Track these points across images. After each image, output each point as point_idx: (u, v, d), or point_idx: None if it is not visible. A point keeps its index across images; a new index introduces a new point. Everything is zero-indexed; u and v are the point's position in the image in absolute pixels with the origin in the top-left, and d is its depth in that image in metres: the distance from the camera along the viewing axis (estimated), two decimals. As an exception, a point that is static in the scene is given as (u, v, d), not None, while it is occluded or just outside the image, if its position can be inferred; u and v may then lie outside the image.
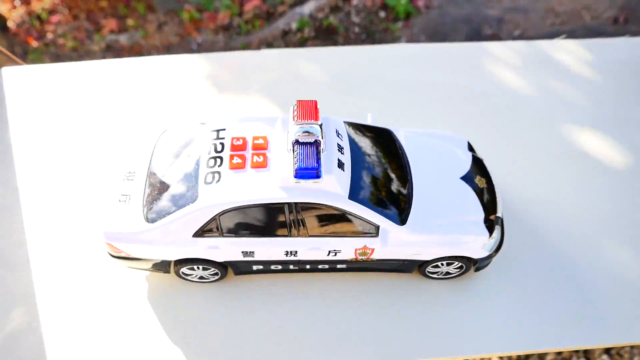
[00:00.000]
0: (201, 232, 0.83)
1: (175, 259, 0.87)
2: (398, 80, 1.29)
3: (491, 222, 0.89)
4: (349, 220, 0.84)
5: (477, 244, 0.87)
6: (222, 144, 0.86)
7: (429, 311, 0.93)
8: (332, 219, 0.83)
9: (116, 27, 2.67)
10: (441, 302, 0.94)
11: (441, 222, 0.87)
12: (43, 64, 1.28)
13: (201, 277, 0.93)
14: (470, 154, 0.98)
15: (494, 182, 0.95)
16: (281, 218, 0.82)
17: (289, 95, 1.21)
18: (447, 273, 0.94)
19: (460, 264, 0.91)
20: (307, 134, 0.79)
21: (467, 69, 1.32)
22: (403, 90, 1.27)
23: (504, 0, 2.74)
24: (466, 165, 0.96)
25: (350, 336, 0.90)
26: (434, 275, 0.95)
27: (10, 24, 3.32)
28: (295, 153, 0.79)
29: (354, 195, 0.83)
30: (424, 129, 1.03)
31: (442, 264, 0.91)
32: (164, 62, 1.36)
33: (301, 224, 0.83)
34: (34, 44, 3.14)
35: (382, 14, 2.91)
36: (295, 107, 0.83)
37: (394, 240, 0.86)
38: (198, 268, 0.90)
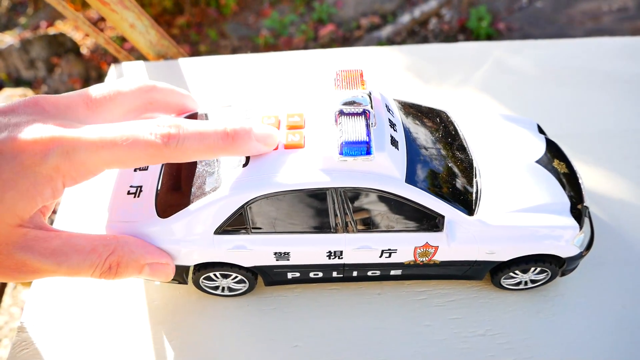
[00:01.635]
0: (225, 228, 0.67)
1: (193, 263, 0.71)
2: (619, 74, 1.16)
3: (578, 212, 0.72)
4: (407, 211, 0.67)
5: (566, 238, 0.70)
6: None
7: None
8: (386, 210, 0.67)
9: (189, 53, 2.67)
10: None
11: (519, 212, 0.70)
12: (207, 56, 1.30)
13: (225, 289, 0.77)
14: (542, 136, 0.82)
15: (574, 167, 0.79)
16: (323, 209, 0.67)
17: (499, 88, 1.14)
18: (527, 282, 0.77)
19: (543, 269, 0.73)
20: (353, 103, 0.64)
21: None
22: (624, 84, 1.15)
23: (587, 22, 2.66)
24: (540, 147, 0.79)
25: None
26: (510, 286, 0.77)
27: (84, 50, 3.38)
28: (339, 126, 0.63)
29: (411, 179, 0.67)
30: (489, 112, 0.87)
31: (521, 272, 0.74)
32: (348, 53, 1.26)
33: (348, 216, 0.67)
34: (108, 68, 3.18)
35: (461, 37, 2.84)
36: (337, 77, 0.68)
37: (462, 235, 0.69)
38: (221, 276, 0.74)
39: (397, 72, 1.19)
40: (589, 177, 0.93)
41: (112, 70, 1.23)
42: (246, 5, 3.47)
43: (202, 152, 0.61)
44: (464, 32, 2.89)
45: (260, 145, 0.65)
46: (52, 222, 0.89)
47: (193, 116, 0.77)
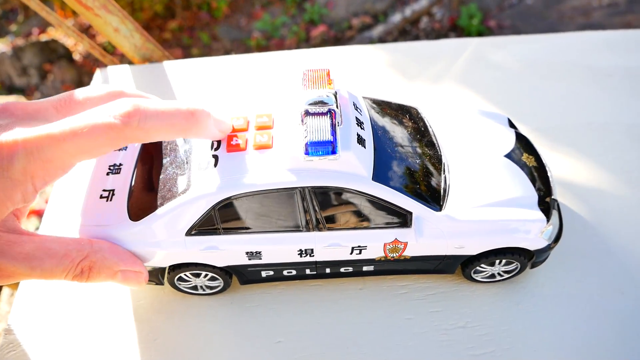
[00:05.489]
0: (196, 230, 0.69)
1: (166, 265, 0.72)
2: (601, 68, 1.17)
3: (547, 205, 0.73)
4: (375, 208, 0.69)
5: (534, 231, 0.71)
6: None
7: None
8: (354, 208, 0.69)
9: (182, 57, 2.70)
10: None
11: (487, 206, 0.71)
12: (192, 58, 1.30)
13: (201, 288, 0.78)
14: (512, 130, 0.84)
15: (544, 161, 0.80)
16: (292, 208, 0.68)
17: (483, 83, 1.15)
18: (495, 275, 0.78)
19: (512, 261, 0.74)
20: (319, 103, 0.65)
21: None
22: (607, 77, 1.15)
23: (578, 18, 2.66)
24: (510, 142, 0.80)
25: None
26: (481, 278, 0.78)
27: (76, 56, 3.38)
28: (305, 126, 0.64)
29: (378, 176, 0.68)
30: (460, 106, 0.88)
31: (491, 264, 0.75)
32: (334, 53, 1.27)
33: (317, 214, 0.68)
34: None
35: (452, 35, 2.85)
36: (305, 76, 0.69)
37: (430, 231, 0.70)
38: (193, 276, 0.75)
39: (381, 70, 1.20)
40: (570, 169, 0.95)
41: (98, 75, 1.24)
42: (237, 8, 3.47)
43: (164, 131, 0.60)
44: (455, 30, 2.90)
45: (216, 130, 0.66)
46: (37, 228, 0.90)
47: None
